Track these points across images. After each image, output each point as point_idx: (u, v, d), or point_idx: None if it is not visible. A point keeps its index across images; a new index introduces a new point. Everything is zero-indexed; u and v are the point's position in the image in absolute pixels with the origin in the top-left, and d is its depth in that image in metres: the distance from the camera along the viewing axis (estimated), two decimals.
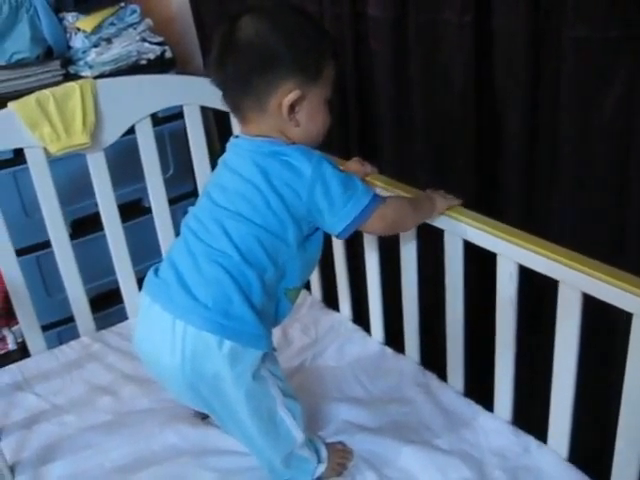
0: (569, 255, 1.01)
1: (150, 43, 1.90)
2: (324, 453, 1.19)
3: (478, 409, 1.27)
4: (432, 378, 1.36)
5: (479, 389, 1.29)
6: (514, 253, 1.08)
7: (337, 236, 1.07)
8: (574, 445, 1.11)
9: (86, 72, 1.80)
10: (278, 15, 1.03)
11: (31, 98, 1.36)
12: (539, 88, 1.14)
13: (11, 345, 1.96)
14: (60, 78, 1.79)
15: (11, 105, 1.35)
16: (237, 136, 1.11)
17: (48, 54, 1.81)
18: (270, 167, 1.02)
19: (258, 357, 1.02)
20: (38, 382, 1.44)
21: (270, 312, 1.08)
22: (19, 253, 1.82)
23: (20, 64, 1.74)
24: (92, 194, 1.51)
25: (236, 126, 1.53)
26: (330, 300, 1.64)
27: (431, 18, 1.24)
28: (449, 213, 1.17)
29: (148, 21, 1.90)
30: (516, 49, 1.14)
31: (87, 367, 1.48)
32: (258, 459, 1.14)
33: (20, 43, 1.71)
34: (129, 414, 1.33)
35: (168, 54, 1.93)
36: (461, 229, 1.16)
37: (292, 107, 1.02)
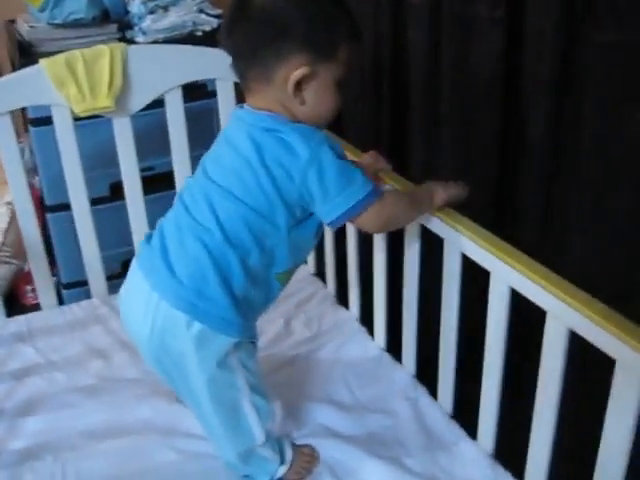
0: (558, 284, 0.91)
1: (207, 15, 1.89)
2: (289, 455, 1.14)
3: (461, 435, 1.18)
4: (423, 394, 1.28)
5: (469, 413, 1.21)
6: (506, 273, 0.99)
7: (328, 225, 1.02)
8: None
9: (140, 38, 1.81)
10: None
11: (61, 57, 1.37)
12: (565, 93, 1.04)
13: None
14: (115, 42, 1.80)
15: (42, 62, 1.37)
16: (242, 106, 1.06)
17: (106, 17, 1.83)
18: (265, 144, 0.96)
19: (227, 344, 0.99)
20: (40, 336, 1.47)
21: (257, 299, 1.03)
22: (60, 209, 1.88)
23: (76, 24, 1.77)
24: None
25: None
26: (344, 296, 1.59)
27: (464, 10, 1.16)
28: (448, 221, 1.09)
29: None
30: (544, 50, 1.04)
31: (89, 329, 1.50)
32: (215, 447, 1.11)
33: (77, 3, 1.74)
34: (114, 381, 1.34)
35: None
36: (458, 240, 1.08)
37: (299, 84, 0.96)
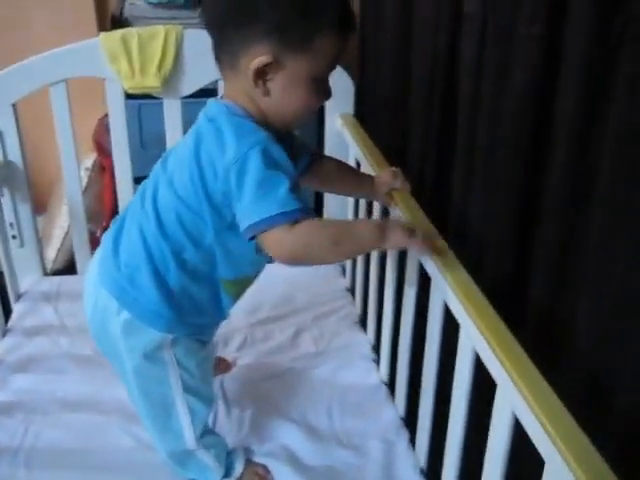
0: (513, 355, 0.77)
1: None
2: (238, 471, 1.10)
3: None
4: (403, 439, 1.17)
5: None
6: (471, 333, 0.86)
7: (242, 234, 0.87)
8: None
9: None
10: None
11: (117, 33, 1.40)
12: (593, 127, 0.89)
13: None
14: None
15: (100, 36, 1.40)
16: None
17: (200, 1, 1.85)
18: (204, 133, 0.89)
19: (157, 338, 0.95)
20: (65, 300, 1.53)
21: (201, 298, 0.97)
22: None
23: (171, 5, 1.81)
24: None
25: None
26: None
27: (506, 23, 1.03)
28: (436, 260, 0.96)
29: None
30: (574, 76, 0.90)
31: None
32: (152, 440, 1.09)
33: None
34: None
35: None
36: (441, 284, 0.95)
37: (262, 73, 0.86)
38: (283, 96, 0.88)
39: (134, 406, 1.05)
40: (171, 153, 0.97)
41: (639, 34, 0.79)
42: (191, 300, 0.96)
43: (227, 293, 0.98)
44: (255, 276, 1.01)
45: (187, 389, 1.00)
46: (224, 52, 0.89)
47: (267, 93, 0.88)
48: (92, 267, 1.01)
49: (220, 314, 1.02)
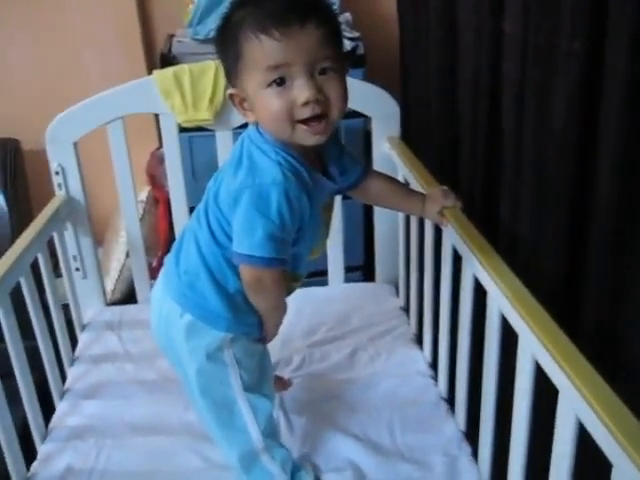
0: (574, 362, 0.79)
1: (344, 37, 1.89)
2: None
3: None
4: (465, 453, 1.18)
5: None
6: (531, 341, 0.88)
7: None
8: None
9: None
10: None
11: (170, 70, 1.46)
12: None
13: None
14: None
15: (154, 74, 1.47)
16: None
17: None
18: (238, 152, 0.95)
19: (218, 338, 1.01)
20: (127, 327, 1.58)
21: None
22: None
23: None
24: None
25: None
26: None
27: (546, 40, 1.05)
28: (491, 273, 0.99)
29: (346, 15, 1.90)
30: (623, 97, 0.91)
31: None
32: (220, 450, 1.12)
33: (218, 20, 1.83)
34: (173, 381, 1.37)
35: (360, 51, 1.91)
36: (497, 296, 0.98)
37: (238, 103, 0.96)
38: (258, 114, 0.93)
39: (198, 412, 1.10)
40: (222, 169, 1.03)
41: None
42: (247, 300, 1.01)
43: None
44: (303, 273, 1.08)
45: (247, 388, 1.05)
46: None
47: (254, 116, 0.94)
48: (158, 282, 1.09)
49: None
